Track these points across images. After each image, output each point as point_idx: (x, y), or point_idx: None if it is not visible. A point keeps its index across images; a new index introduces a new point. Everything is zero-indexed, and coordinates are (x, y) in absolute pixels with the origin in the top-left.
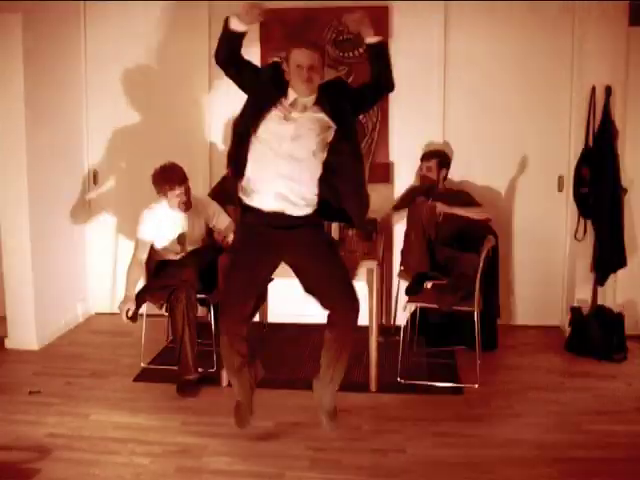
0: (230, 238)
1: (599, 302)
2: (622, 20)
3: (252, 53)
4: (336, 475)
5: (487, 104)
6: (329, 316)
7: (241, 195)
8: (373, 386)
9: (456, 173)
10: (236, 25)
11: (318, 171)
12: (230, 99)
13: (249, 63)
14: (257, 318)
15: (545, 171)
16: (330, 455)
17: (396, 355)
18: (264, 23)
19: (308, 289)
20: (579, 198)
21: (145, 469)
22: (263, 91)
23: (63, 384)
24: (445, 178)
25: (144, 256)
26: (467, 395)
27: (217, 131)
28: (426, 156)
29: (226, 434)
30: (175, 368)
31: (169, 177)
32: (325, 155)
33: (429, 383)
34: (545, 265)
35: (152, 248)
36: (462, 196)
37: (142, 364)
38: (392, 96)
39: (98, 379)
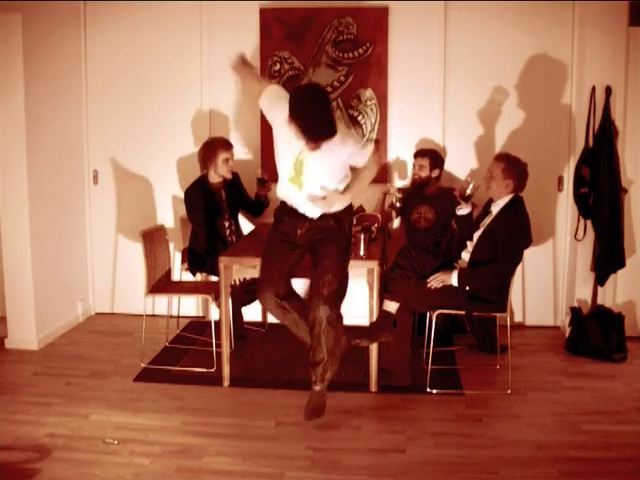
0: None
1: (599, 302)
2: (622, 20)
3: (252, 53)
4: (336, 475)
5: (487, 104)
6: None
7: None
8: (373, 386)
9: (456, 173)
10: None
11: None
12: (227, 99)
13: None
14: (258, 318)
15: (545, 171)
16: (330, 455)
17: None
18: (264, 23)
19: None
20: (579, 198)
21: (145, 469)
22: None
23: (63, 384)
24: (438, 178)
25: None
26: (467, 395)
27: (215, 130)
28: (419, 153)
29: (226, 434)
30: (175, 368)
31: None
32: None
33: (429, 383)
34: (545, 265)
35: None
36: (449, 193)
37: (142, 364)
38: (391, 96)
39: (98, 379)
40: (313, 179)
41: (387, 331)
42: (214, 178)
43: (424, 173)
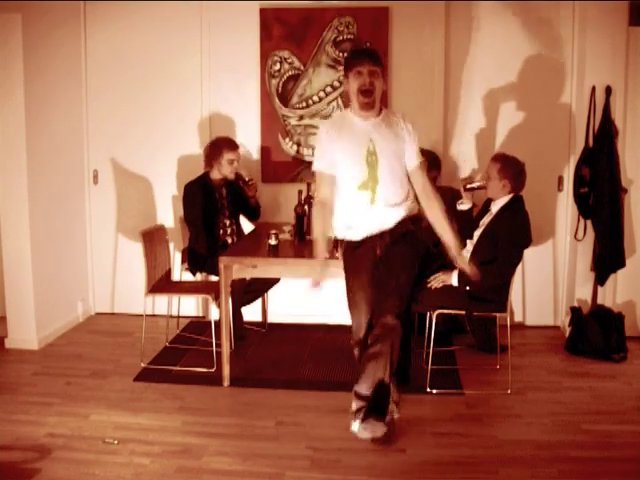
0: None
1: (599, 302)
2: (622, 20)
3: (252, 53)
4: (336, 475)
5: (487, 104)
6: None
7: None
8: None
9: (456, 173)
10: None
11: None
12: (226, 98)
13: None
14: (258, 318)
15: (545, 171)
16: (330, 455)
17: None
18: (264, 23)
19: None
20: (579, 198)
21: (145, 469)
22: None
23: (63, 384)
24: (435, 179)
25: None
26: (467, 395)
27: (215, 130)
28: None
29: (226, 434)
30: (175, 368)
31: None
32: None
33: (429, 383)
34: (545, 265)
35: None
36: (447, 192)
37: (142, 364)
38: (392, 97)
39: (98, 379)
40: (389, 168)
41: None
42: (216, 175)
43: None
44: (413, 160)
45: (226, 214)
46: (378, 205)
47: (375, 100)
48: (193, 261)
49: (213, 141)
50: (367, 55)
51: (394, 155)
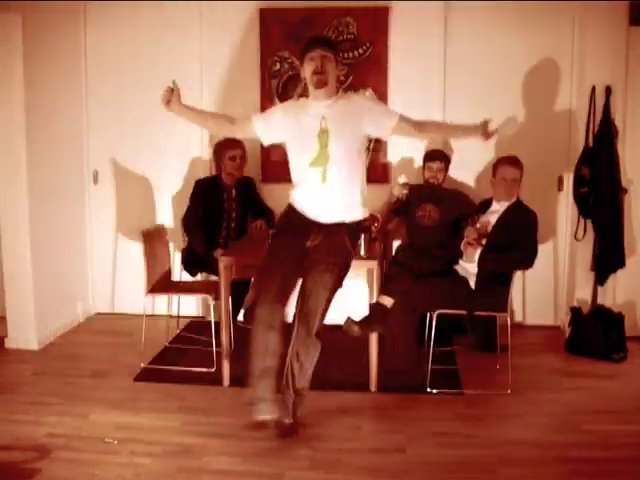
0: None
1: (599, 302)
2: (622, 20)
3: (252, 53)
4: (336, 475)
5: (487, 104)
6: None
7: None
8: (373, 386)
9: (456, 173)
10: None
11: None
12: (226, 98)
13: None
14: None
15: (545, 171)
16: (330, 455)
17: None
18: (264, 23)
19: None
20: (579, 198)
21: (145, 469)
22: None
23: (63, 384)
24: (444, 180)
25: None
26: (467, 395)
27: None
28: (436, 157)
29: (226, 434)
30: (175, 368)
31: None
32: None
33: (429, 383)
34: (545, 265)
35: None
36: (461, 198)
37: (142, 364)
38: (391, 96)
39: (98, 379)
40: (341, 146)
41: (378, 324)
42: (227, 180)
43: (441, 176)
44: (389, 120)
45: (233, 216)
46: (329, 184)
47: (328, 79)
48: (190, 260)
49: (216, 143)
50: (319, 42)
51: (349, 134)
